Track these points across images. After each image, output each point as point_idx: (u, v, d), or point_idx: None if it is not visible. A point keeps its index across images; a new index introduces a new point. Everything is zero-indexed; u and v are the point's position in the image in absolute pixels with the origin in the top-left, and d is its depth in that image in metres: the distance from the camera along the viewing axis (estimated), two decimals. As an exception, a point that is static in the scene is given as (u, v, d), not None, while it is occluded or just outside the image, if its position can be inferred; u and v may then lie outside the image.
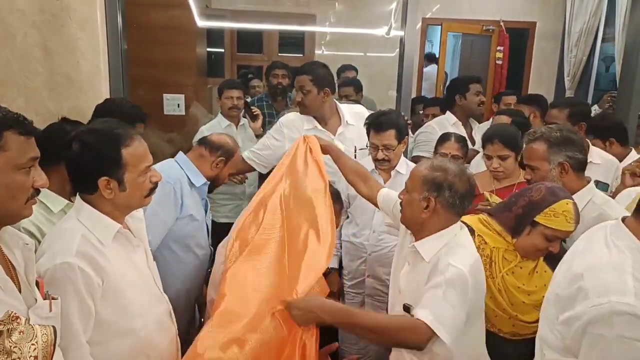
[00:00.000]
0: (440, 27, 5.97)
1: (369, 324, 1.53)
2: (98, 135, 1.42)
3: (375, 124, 2.33)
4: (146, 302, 1.52)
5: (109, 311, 1.39)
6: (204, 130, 3.34)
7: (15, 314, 0.97)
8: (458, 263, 1.49)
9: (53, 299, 1.16)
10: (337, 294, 2.58)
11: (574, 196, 1.77)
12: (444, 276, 1.47)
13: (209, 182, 2.18)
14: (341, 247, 2.61)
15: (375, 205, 1.97)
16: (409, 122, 2.82)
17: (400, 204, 1.69)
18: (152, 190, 1.51)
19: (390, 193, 1.90)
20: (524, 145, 2.04)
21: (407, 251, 1.69)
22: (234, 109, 3.44)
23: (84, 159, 1.40)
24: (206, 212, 2.23)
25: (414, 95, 5.52)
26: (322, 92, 2.57)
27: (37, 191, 1.14)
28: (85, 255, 1.34)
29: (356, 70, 4.61)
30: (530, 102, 3.40)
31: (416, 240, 1.64)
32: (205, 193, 2.22)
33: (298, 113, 2.67)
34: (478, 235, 1.83)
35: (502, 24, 5.83)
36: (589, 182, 1.95)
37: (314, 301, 1.59)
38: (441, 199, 1.57)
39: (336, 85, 3.15)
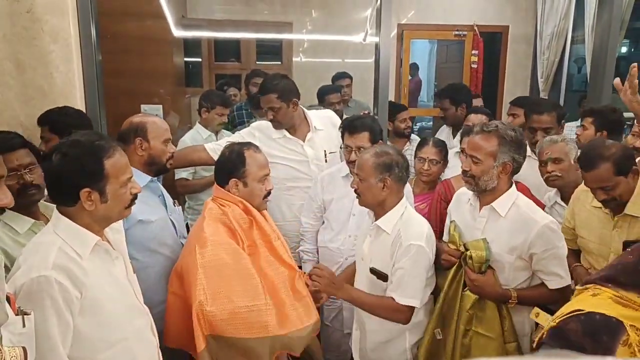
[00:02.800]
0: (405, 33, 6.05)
1: (366, 304, 1.99)
2: (80, 146, 1.41)
3: (349, 127, 2.36)
4: (126, 315, 1.50)
5: (89, 325, 1.38)
6: (187, 141, 3.33)
7: None
8: (416, 240, 1.89)
9: (25, 314, 1.13)
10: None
11: (501, 197, 1.91)
12: (409, 257, 1.87)
13: (155, 178, 2.11)
14: (318, 252, 2.62)
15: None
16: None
17: (357, 191, 1.98)
18: (132, 202, 1.50)
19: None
20: (470, 135, 1.95)
21: (366, 231, 2.07)
22: (221, 125, 3.55)
23: (66, 171, 1.38)
24: (167, 207, 2.14)
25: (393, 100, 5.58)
26: (291, 104, 2.58)
27: (1, 210, 1.12)
28: (63, 268, 1.32)
29: (350, 78, 4.60)
30: (523, 105, 3.22)
31: (376, 219, 1.98)
32: (159, 189, 2.15)
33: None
34: (631, 326, 1.17)
35: (475, 28, 5.94)
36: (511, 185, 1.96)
37: (338, 278, 2.09)
38: (393, 176, 1.92)
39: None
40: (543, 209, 2.40)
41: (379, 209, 1.98)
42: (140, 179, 1.95)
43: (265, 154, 2.55)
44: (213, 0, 5.80)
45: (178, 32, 4.81)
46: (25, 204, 1.70)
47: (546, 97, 5.56)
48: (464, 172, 1.92)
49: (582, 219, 2.17)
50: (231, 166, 1.95)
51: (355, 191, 1.98)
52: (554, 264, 1.87)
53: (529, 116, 2.69)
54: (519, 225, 1.86)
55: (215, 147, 2.60)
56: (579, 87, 5.71)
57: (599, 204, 2.05)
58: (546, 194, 2.54)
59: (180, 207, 2.33)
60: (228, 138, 2.75)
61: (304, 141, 2.62)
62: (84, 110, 2.45)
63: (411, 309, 1.91)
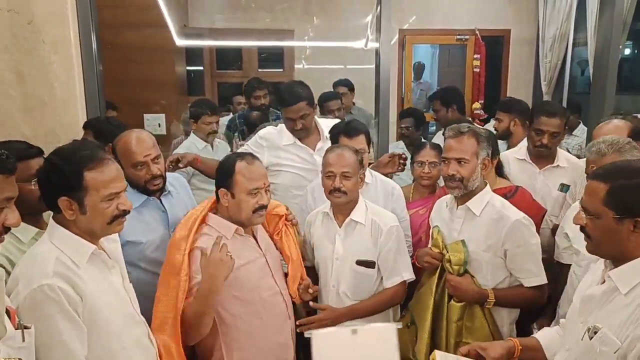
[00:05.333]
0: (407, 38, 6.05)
1: (367, 308, 2.06)
2: (63, 154, 1.40)
3: (346, 130, 2.34)
4: (125, 324, 1.48)
5: (88, 334, 1.35)
6: (181, 152, 3.31)
7: None
8: (393, 221, 2.07)
9: (26, 328, 1.12)
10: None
11: (475, 197, 1.94)
12: (393, 238, 2.04)
13: (152, 197, 2.04)
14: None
15: None
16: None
17: (342, 190, 2.01)
18: (116, 218, 1.44)
19: None
20: (445, 140, 1.99)
21: (327, 235, 2.13)
22: (212, 133, 3.52)
23: (47, 177, 1.39)
24: (169, 224, 2.06)
25: (393, 106, 5.58)
26: (314, 109, 2.59)
27: (7, 229, 1.11)
28: (62, 275, 1.32)
29: (348, 86, 4.57)
30: (509, 110, 3.23)
31: (347, 215, 2.07)
32: (157, 205, 2.07)
33: (276, 127, 2.67)
34: None
35: (477, 32, 5.93)
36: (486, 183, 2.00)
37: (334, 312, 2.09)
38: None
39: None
40: (544, 215, 2.38)
41: (352, 204, 2.08)
42: (136, 198, 1.93)
43: (272, 162, 2.53)
44: (214, 9, 5.83)
45: (180, 41, 4.84)
46: (37, 210, 1.70)
47: (550, 100, 5.53)
48: (450, 177, 1.92)
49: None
50: (221, 175, 1.90)
51: (340, 190, 2.01)
52: (526, 260, 1.91)
53: (536, 118, 2.60)
54: (493, 223, 1.92)
55: None
56: (583, 89, 5.68)
57: None
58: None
59: None
60: (240, 150, 2.72)
61: (314, 150, 2.60)
62: (86, 120, 2.46)
63: (405, 283, 2.09)
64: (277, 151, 2.57)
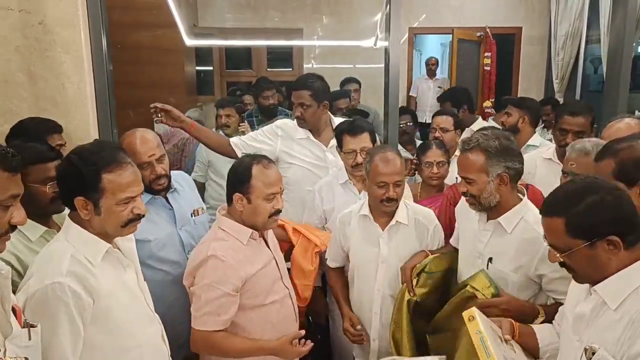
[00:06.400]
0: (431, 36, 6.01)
1: None
2: (83, 154, 1.41)
3: (350, 129, 2.32)
4: (138, 323, 1.49)
5: (101, 332, 1.38)
6: (202, 147, 3.32)
7: None
8: (435, 219, 2.12)
9: (32, 326, 1.13)
10: (322, 312, 2.49)
11: (509, 212, 1.74)
12: (440, 234, 2.08)
13: (157, 196, 2.04)
14: None
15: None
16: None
17: (395, 199, 1.98)
18: (130, 222, 1.45)
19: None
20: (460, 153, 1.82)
21: (379, 234, 2.04)
22: (224, 127, 3.57)
23: (65, 175, 1.41)
24: (176, 221, 2.08)
25: (402, 104, 5.55)
26: (322, 106, 2.57)
27: (13, 227, 1.11)
28: (76, 275, 1.33)
29: (358, 83, 4.60)
30: (520, 106, 3.20)
31: (392, 217, 2.04)
32: (163, 203, 2.07)
33: (293, 121, 2.67)
34: None
35: (488, 30, 5.88)
36: (523, 194, 1.82)
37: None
38: None
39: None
40: None
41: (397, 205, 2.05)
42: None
43: (284, 153, 2.53)
44: (224, 8, 5.85)
45: (189, 41, 4.85)
46: (47, 212, 1.71)
47: (562, 99, 5.47)
48: (464, 194, 1.81)
49: None
50: (236, 180, 1.83)
51: (393, 199, 1.96)
52: (566, 284, 1.64)
53: (560, 117, 2.56)
54: (525, 243, 1.73)
55: (238, 142, 2.60)
56: (596, 87, 5.60)
57: None
58: None
59: (205, 213, 2.26)
60: (252, 133, 2.73)
61: (327, 146, 2.61)
62: (96, 121, 2.47)
63: None
64: (291, 143, 2.58)
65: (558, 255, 1.28)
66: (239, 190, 1.82)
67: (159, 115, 2.48)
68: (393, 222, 2.02)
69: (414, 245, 2.03)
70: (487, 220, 1.83)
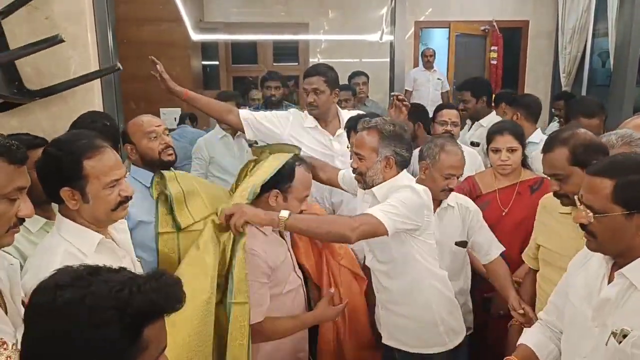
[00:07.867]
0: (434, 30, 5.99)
1: None
2: (60, 145, 1.39)
3: (357, 125, 2.34)
4: None
5: None
6: (201, 143, 3.35)
7: (1, 339, 0.96)
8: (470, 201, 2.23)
9: None
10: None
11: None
12: (479, 215, 2.18)
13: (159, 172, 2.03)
14: None
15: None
16: None
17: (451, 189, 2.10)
18: (120, 204, 1.44)
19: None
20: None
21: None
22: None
23: (47, 169, 1.38)
24: None
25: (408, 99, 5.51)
26: (333, 93, 2.59)
27: (21, 220, 1.11)
28: None
29: (367, 76, 4.60)
30: (512, 103, 3.25)
31: (440, 203, 2.13)
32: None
33: (302, 111, 2.69)
34: None
35: (494, 24, 5.85)
36: None
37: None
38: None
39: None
40: None
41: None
42: (144, 176, 1.96)
43: (292, 138, 2.55)
44: (229, 3, 5.85)
45: (195, 36, 4.86)
46: (44, 201, 1.72)
47: (569, 93, 5.43)
48: (353, 170, 1.94)
49: (549, 229, 1.93)
50: (279, 178, 1.90)
51: (452, 189, 2.12)
52: None
53: (574, 119, 2.54)
54: None
55: (249, 117, 2.58)
56: (603, 81, 5.55)
57: (567, 210, 1.77)
58: None
59: None
60: (265, 113, 2.69)
61: (333, 135, 2.63)
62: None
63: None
64: (300, 130, 2.59)
65: (591, 214, 1.26)
66: (279, 188, 1.89)
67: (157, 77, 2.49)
68: (444, 204, 2.15)
69: (459, 225, 2.17)
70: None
